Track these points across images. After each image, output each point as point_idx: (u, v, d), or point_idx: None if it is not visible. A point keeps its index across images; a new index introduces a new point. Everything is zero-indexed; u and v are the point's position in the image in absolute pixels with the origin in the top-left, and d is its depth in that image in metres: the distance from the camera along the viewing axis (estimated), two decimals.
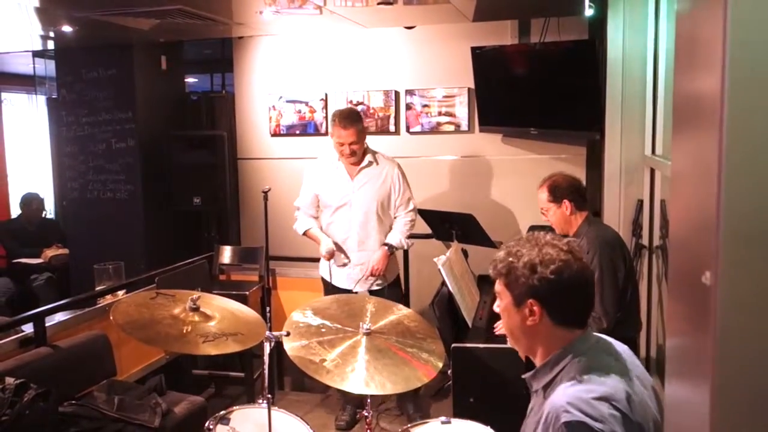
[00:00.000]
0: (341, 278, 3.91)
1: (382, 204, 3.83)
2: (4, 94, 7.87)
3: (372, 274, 3.79)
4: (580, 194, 3.10)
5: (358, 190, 3.81)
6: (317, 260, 4.65)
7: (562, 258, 1.53)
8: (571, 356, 1.53)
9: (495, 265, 1.62)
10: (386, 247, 3.82)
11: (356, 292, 3.79)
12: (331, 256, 3.80)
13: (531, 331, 1.59)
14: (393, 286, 3.98)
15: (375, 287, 3.87)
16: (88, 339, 3.29)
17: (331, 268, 3.89)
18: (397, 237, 3.84)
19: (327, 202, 3.87)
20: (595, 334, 1.64)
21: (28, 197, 6.35)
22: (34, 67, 6.92)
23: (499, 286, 1.63)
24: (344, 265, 3.88)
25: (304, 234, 3.96)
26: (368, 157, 3.84)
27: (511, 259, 1.58)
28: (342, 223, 3.86)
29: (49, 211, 7.66)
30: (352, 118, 3.72)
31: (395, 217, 3.90)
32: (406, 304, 3.99)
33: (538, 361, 1.61)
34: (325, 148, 5.41)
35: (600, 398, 1.41)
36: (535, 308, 1.55)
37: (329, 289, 3.94)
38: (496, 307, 1.67)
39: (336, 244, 3.85)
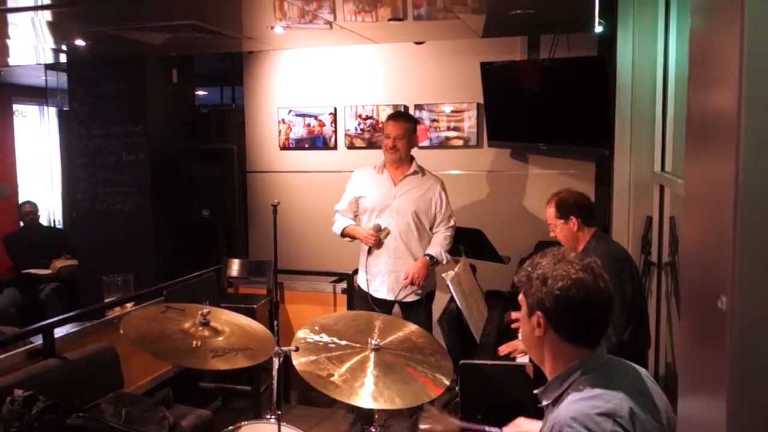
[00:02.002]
0: (377, 287, 3.88)
1: (420, 214, 3.83)
2: (15, 106, 7.93)
3: (412, 282, 3.76)
4: (588, 211, 3.09)
5: (399, 195, 3.83)
6: (326, 274, 4.66)
7: (572, 276, 1.54)
8: (580, 372, 1.55)
9: (519, 273, 1.67)
10: (427, 257, 3.81)
11: (392, 302, 3.80)
12: (377, 230, 3.77)
13: (538, 343, 1.62)
14: (428, 301, 3.95)
15: (412, 297, 3.83)
16: (96, 351, 3.30)
17: (368, 273, 3.85)
18: (437, 249, 3.83)
19: (367, 204, 3.88)
20: (608, 355, 1.64)
21: (20, 204, 6.42)
22: (46, 80, 6.98)
23: (520, 294, 1.67)
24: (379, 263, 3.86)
25: (343, 234, 3.94)
26: (414, 167, 3.89)
27: (530, 269, 1.63)
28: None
29: (58, 222, 7.72)
30: (403, 115, 4.06)
31: (435, 232, 3.89)
32: (429, 321, 3.94)
33: (547, 374, 1.64)
34: (335, 161, 5.46)
35: (604, 414, 1.42)
36: (540, 321, 1.58)
37: (362, 299, 3.90)
38: (518, 314, 1.72)
39: (371, 251, 3.84)
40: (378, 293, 3.88)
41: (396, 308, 3.90)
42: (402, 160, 3.85)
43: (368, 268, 3.87)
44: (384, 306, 3.80)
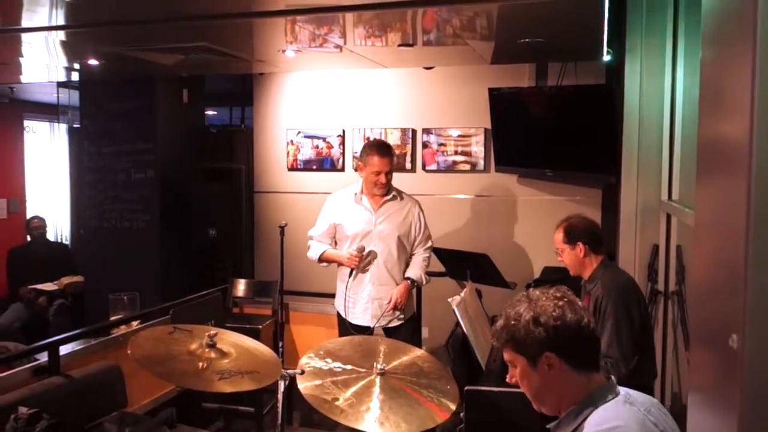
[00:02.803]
0: (357, 314, 3.85)
1: (402, 239, 3.83)
2: (27, 122, 8.01)
3: (395, 307, 3.74)
4: (596, 238, 3.09)
5: (380, 222, 3.82)
6: (331, 296, 4.65)
7: (559, 304, 1.58)
8: (593, 407, 1.54)
9: (497, 336, 1.64)
10: (408, 281, 3.80)
11: (372, 328, 3.75)
12: (361, 251, 3.71)
13: (554, 385, 1.59)
14: (410, 323, 3.94)
15: (395, 323, 3.82)
16: (101, 369, 3.29)
17: (346, 302, 3.83)
18: (417, 272, 3.82)
19: (347, 232, 3.82)
20: (621, 387, 1.64)
21: (29, 219, 6.44)
22: (57, 97, 7.06)
23: (508, 355, 1.64)
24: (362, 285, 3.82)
25: (320, 259, 3.87)
26: (392, 191, 3.86)
27: (512, 322, 1.60)
28: None
29: (65, 238, 7.75)
30: (389, 149, 3.87)
31: (412, 254, 3.90)
32: (419, 342, 3.94)
33: (561, 411, 1.62)
34: (342, 183, 5.48)
35: None
36: (552, 360, 1.56)
37: (344, 326, 3.87)
38: (511, 379, 1.66)
39: (351, 276, 3.78)
40: (358, 320, 3.83)
41: (379, 331, 3.86)
42: (389, 191, 3.84)
43: (347, 295, 3.80)
44: (364, 332, 3.72)
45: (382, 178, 3.73)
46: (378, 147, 3.81)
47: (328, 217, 3.90)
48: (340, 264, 3.84)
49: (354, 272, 3.76)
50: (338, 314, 3.98)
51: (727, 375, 0.87)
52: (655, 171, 3.89)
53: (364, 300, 3.82)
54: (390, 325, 3.82)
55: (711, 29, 1.05)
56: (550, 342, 1.55)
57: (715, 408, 0.97)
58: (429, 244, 3.92)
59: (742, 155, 0.83)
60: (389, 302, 3.72)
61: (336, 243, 3.90)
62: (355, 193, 3.86)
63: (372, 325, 3.76)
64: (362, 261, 3.74)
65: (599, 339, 1.66)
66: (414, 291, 4.35)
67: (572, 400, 1.58)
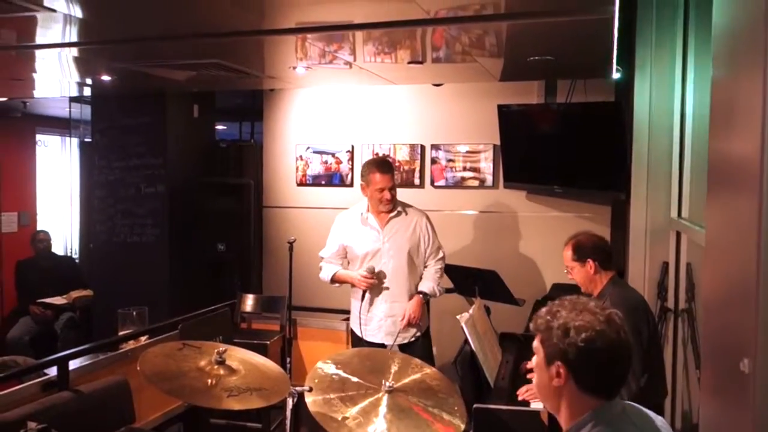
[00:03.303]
0: (372, 332, 3.85)
1: (412, 253, 3.82)
2: (39, 136, 8.08)
3: (409, 323, 3.73)
4: (605, 254, 3.08)
5: (388, 240, 3.82)
6: (339, 311, 4.65)
7: (596, 328, 1.53)
8: (592, 424, 1.54)
9: (536, 320, 1.65)
10: (420, 295, 3.79)
11: (390, 346, 3.73)
12: (372, 272, 3.72)
13: (556, 392, 1.60)
14: (425, 338, 3.91)
15: (410, 339, 3.80)
16: (109, 384, 3.29)
17: (361, 319, 3.83)
18: (429, 284, 3.81)
19: (356, 252, 3.84)
20: (624, 402, 1.62)
21: (34, 233, 6.46)
22: (69, 111, 7.12)
23: (536, 342, 1.65)
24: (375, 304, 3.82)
25: (332, 280, 3.90)
26: (398, 207, 3.87)
27: (549, 317, 1.61)
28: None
29: (75, 252, 7.78)
30: (389, 165, 3.89)
31: (425, 266, 3.89)
32: (431, 357, 3.91)
33: (562, 423, 1.62)
34: (351, 199, 5.50)
35: None
36: (561, 371, 1.56)
37: (357, 342, 3.87)
38: (526, 365, 1.69)
39: (365, 296, 3.80)
40: (374, 338, 3.83)
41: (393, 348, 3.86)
42: (394, 207, 3.84)
43: (362, 314, 3.82)
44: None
45: (387, 195, 3.74)
46: (378, 164, 3.83)
47: (337, 238, 3.92)
48: (353, 285, 3.85)
49: (365, 292, 3.78)
50: (352, 332, 3.98)
51: (738, 400, 0.86)
52: (664, 188, 3.88)
53: (378, 317, 3.82)
54: (405, 342, 3.79)
55: (722, 48, 1.05)
56: (567, 356, 1.55)
57: (727, 426, 0.96)
58: (440, 255, 3.91)
59: (752, 173, 0.82)
60: (403, 318, 3.72)
61: (349, 262, 3.92)
62: (361, 213, 3.88)
63: (389, 344, 3.74)
64: (373, 281, 3.74)
65: (628, 371, 1.59)
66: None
67: (571, 413, 1.58)
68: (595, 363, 1.54)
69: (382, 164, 3.84)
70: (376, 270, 3.76)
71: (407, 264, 3.80)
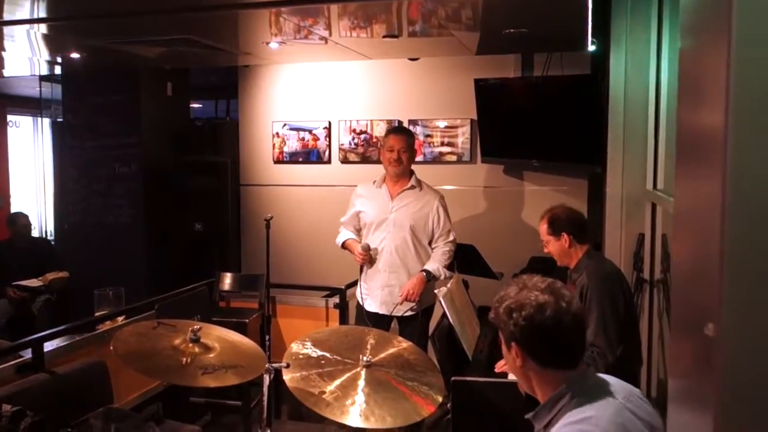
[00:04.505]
0: (372, 302, 3.89)
1: (416, 229, 3.82)
2: (9, 117, 7.92)
3: (407, 299, 3.74)
4: (581, 228, 3.10)
5: (396, 210, 3.83)
6: (319, 288, 4.66)
7: (536, 302, 1.54)
8: (569, 396, 1.54)
9: (492, 309, 1.66)
10: (423, 273, 3.79)
11: (384, 315, 3.79)
12: (366, 250, 3.78)
13: (523, 373, 1.62)
14: (423, 317, 3.92)
15: (409, 313, 3.81)
16: (86, 366, 3.27)
17: (362, 289, 3.88)
18: (435, 265, 3.81)
19: (366, 219, 3.90)
20: (599, 375, 1.64)
21: (13, 215, 6.32)
22: (40, 91, 6.97)
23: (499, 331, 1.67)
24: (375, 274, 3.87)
25: (342, 246, 3.99)
26: (412, 181, 3.89)
27: (497, 303, 1.62)
28: (377, 242, 3.86)
29: (50, 233, 7.68)
30: (405, 129, 4.16)
31: (434, 248, 3.89)
32: (425, 335, 3.92)
33: (539, 400, 1.63)
34: (328, 175, 5.48)
35: None
36: (517, 352, 1.58)
37: (360, 315, 3.92)
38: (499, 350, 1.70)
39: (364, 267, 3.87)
40: (371, 307, 3.88)
41: (394, 323, 3.89)
42: (404, 173, 3.86)
43: (365, 282, 3.89)
44: (380, 320, 3.78)
45: (394, 155, 3.80)
46: (393, 128, 4.32)
47: (353, 205, 4.00)
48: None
49: (364, 266, 3.86)
50: (357, 304, 4.02)
51: (704, 363, 0.87)
52: (640, 160, 3.90)
53: (377, 287, 3.86)
54: (405, 315, 3.81)
55: (689, 19, 1.05)
56: (516, 337, 1.57)
57: (694, 396, 0.98)
58: (451, 237, 3.91)
59: (718, 144, 0.83)
60: (402, 294, 3.73)
61: (360, 230, 4.00)
62: (375, 181, 3.95)
63: (386, 313, 3.81)
64: (367, 258, 3.81)
65: (582, 337, 1.61)
66: None
67: (543, 390, 1.60)
68: (543, 337, 1.55)
69: (397, 128, 4.26)
70: (373, 247, 3.82)
71: (411, 238, 3.81)
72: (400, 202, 3.85)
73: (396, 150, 3.79)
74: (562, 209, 3.15)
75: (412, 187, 3.88)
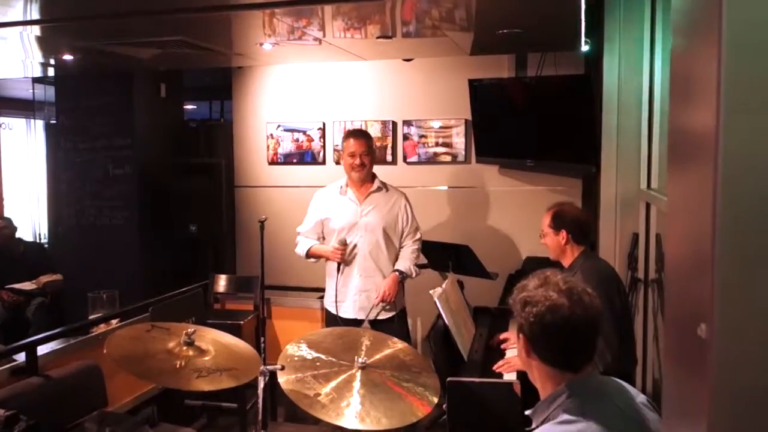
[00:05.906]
0: (347, 308, 3.83)
1: (388, 230, 3.82)
2: (2, 119, 7.88)
3: (383, 300, 3.72)
4: (582, 229, 3.09)
5: (366, 213, 3.81)
6: (313, 290, 4.64)
7: (549, 302, 1.52)
8: (566, 395, 1.54)
9: (512, 294, 1.66)
10: (397, 273, 3.78)
11: (362, 320, 3.74)
12: (343, 244, 3.72)
13: (527, 363, 1.64)
14: (400, 318, 3.91)
15: (384, 315, 3.79)
16: (80, 369, 3.26)
17: (337, 296, 3.80)
18: (406, 263, 3.81)
19: (334, 226, 3.83)
20: (604, 377, 1.64)
21: None
22: (33, 92, 6.95)
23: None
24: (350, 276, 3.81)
25: (307, 255, 3.87)
26: (377, 183, 3.87)
27: (517, 291, 1.63)
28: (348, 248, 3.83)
29: (43, 236, 7.64)
30: (363, 133, 4.02)
31: (401, 247, 3.89)
32: (407, 335, 3.92)
33: (540, 393, 1.64)
34: (323, 176, 5.46)
35: None
36: (524, 343, 1.60)
37: (333, 322, 3.83)
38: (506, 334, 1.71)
39: (340, 269, 3.78)
40: (347, 314, 3.82)
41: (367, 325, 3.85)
42: (367, 176, 3.84)
43: (338, 289, 3.79)
44: (356, 326, 3.70)
45: (357, 160, 3.75)
46: (352, 131, 4.02)
47: (315, 214, 3.91)
48: (327, 259, 3.85)
49: (341, 266, 3.77)
50: (327, 312, 3.95)
51: (696, 364, 0.87)
52: (634, 160, 3.91)
53: (353, 292, 3.81)
54: (378, 318, 3.80)
55: (680, 20, 1.05)
56: (524, 330, 1.58)
57: (686, 398, 0.97)
58: (418, 236, 3.92)
59: (709, 144, 0.83)
60: (378, 296, 3.72)
61: (324, 239, 3.90)
62: (341, 187, 3.89)
63: (363, 317, 3.75)
64: (345, 253, 3.74)
65: (593, 344, 1.58)
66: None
67: (543, 386, 1.60)
68: (549, 337, 1.54)
69: (355, 131, 3.99)
70: (350, 244, 3.75)
71: (383, 240, 3.80)
72: (368, 206, 3.83)
73: (358, 155, 3.75)
74: (571, 207, 3.15)
75: (379, 189, 3.86)
